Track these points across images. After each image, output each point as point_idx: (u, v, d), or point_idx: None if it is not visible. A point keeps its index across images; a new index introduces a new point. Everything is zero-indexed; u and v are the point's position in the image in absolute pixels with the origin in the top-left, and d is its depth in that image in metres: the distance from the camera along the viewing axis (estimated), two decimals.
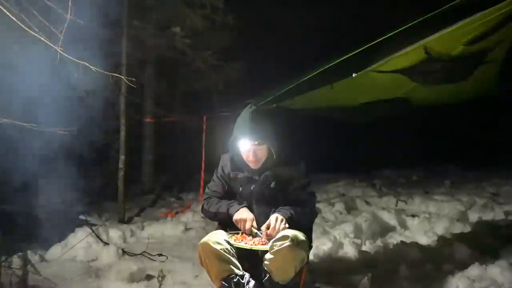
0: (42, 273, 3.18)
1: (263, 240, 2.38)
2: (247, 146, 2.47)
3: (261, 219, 2.52)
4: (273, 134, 2.51)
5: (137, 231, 5.16)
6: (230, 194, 2.66)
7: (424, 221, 5.13)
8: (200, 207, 2.75)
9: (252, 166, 2.52)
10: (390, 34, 2.71)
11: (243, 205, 2.52)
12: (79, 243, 4.18)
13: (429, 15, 2.54)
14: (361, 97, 4.61)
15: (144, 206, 6.97)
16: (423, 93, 4.44)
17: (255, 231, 2.45)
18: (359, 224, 4.80)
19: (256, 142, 2.45)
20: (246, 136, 2.45)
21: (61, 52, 2.38)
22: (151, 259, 4.09)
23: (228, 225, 2.56)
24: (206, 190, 2.73)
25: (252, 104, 2.87)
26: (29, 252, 3.35)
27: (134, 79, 3.65)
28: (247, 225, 2.43)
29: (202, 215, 2.76)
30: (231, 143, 2.56)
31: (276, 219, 2.35)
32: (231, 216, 2.49)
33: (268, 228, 2.35)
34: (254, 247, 2.36)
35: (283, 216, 2.38)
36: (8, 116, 2.69)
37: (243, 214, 2.46)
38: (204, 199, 2.69)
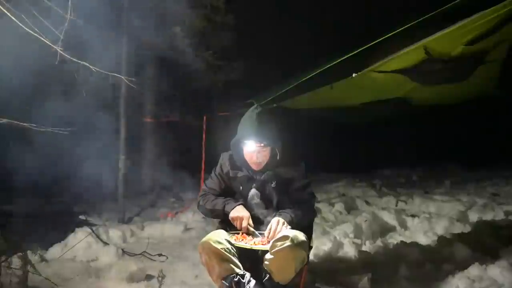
0: (42, 273, 3.18)
1: (263, 240, 2.38)
2: (252, 148, 2.46)
3: (260, 219, 2.52)
4: (278, 136, 2.50)
5: (137, 231, 5.16)
6: (229, 193, 2.66)
7: (424, 221, 5.13)
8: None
9: (255, 167, 2.52)
10: (390, 34, 2.71)
11: (239, 202, 2.52)
12: (79, 243, 4.18)
13: (429, 15, 2.54)
14: (361, 97, 4.61)
15: (144, 206, 6.97)
16: (423, 93, 4.44)
17: (252, 229, 2.45)
18: (359, 224, 4.80)
19: (261, 144, 2.45)
20: (252, 138, 2.43)
21: (61, 52, 2.38)
22: (151, 259, 4.09)
23: (228, 224, 2.56)
24: (203, 187, 2.73)
25: (257, 105, 2.86)
26: (29, 252, 3.35)
27: (134, 79, 3.65)
28: (244, 223, 2.42)
29: (202, 214, 2.76)
30: (234, 143, 2.56)
31: (277, 223, 2.36)
32: (227, 214, 2.49)
33: (269, 231, 2.35)
34: (255, 247, 2.36)
35: (284, 220, 2.38)
36: (8, 115, 2.69)
37: (239, 212, 2.46)
38: (201, 196, 2.68)
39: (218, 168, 2.68)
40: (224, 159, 2.67)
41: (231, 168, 2.61)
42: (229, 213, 2.48)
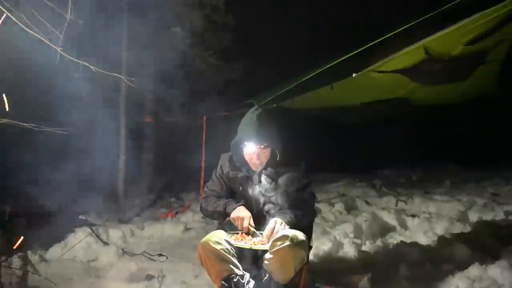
0: (42, 273, 3.18)
1: (263, 239, 2.38)
2: (252, 149, 2.46)
3: (260, 219, 2.52)
4: (278, 136, 2.50)
5: (137, 231, 5.16)
6: (230, 193, 2.66)
7: (424, 221, 5.12)
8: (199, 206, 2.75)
9: (255, 168, 2.52)
10: (390, 34, 2.71)
11: (240, 203, 2.53)
12: (79, 243, 4.18)
13: (429, 15, 2.55)
14: (361, 97, 4.62)
15: (144, 206, 6.97)
16: (423, 93, 4.45)
17: (252, 229, 2.45)
18: (359, 224, 4.80)
19: (262, 146, 2.45)
20: (252, 140, 2.43)
21: (61, 52, 2.38)
22: (151, 259, 4.10)
23: (228, 225, 2.57)
24: (205, 189, 2.73)
25: (258, 106, 2.87)
26: (29, 252, 3.35)
27: (134, 79, 3.65)
28: (244, 223, 2.43)
29: (202, 215, 2.76)
30: (234, 144, 2.55)
31: (275, 223, 2.36)
32: (228, 215, 2.50)
33: (267, 231, 2.35)
34: (254, 247, 2.36)
35: (283, 220, 2.38)
36: (8, 115, 2.69)
37: (240, 213, 2.46)
38: (203, 198, 2.69)
39: (218, 170, 2.68)
40: (224, 160, 2.67)
41: (231, 169, 2.61)
42: (230, 213, 2.49)
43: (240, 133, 2.51)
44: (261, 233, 2.42)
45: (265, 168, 2.53)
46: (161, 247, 4.55)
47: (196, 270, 3.63)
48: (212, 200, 2.61)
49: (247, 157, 2.53)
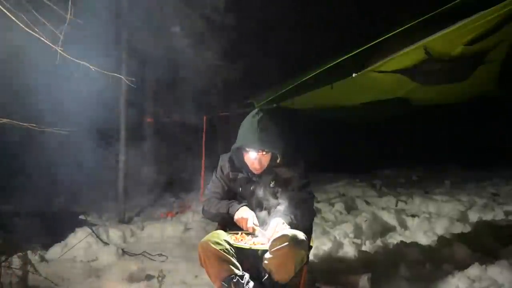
0: (42, 273, 3.18)
1: (263, 239, 2.38)
2: (253, 155, 2.45)
3: (261, 220, 2.52)
4: (280, 141, 2.49)
5: (137, 231, 5.16)
6: (230, 194, 2.66)
7: (424, 221, 5.12)
8: (201, 207, 2.75)
9: (255, 171, 2.52)
10: (390, 34, 2.72)
11: (243, 204, 2.53)
12: (79, 243, 4.18)
13: (429, 15, 2.55)
14: (361, 97, 4.62)
15: (144, 206, 6.97)
16: (423, 93, 4.45)
17: (258, 228, 2.45)
18: (359, 224, 4.80)
19: (263, 153, 2.44)
20: (254, 147, 2.42)
21: (61, 52, 2.38)
22: (151, 259, 4.10)
23: (228, 225, 2.57)
24: (206, 191, 2.73)
25: (258, 110, 2.88)
26: (29, 252, 3.36)
27: (134, 79, 3.65)
28: (249, 224, 2.43)
29: (202, 215, 2.76)
30: (235, 149, 2.54)
31: (277, 223, 2.36)
32: (231, 216, 2.49)
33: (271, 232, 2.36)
34: (254, 247, 2.36)
35: (284, 220, 2.39)
36: (8, 116, 2.69)
37: (243, 213, 2.46)
38: (205, 201, 2.69)
39: (218, 171, 2.68)
40: (223, 161, 2.67)
41: (231, 170, 2.61)
42: (234, 215, 2.49)
43: (240, 139, 2.48)
44: (262, 231, 2.43)
45: (265, 170, 2.53)
46: (161, 247, 4.55)
47: (196, 270, 3.63)
48: (214, 202, 2.61)
49: (248, 161, 2.52)
